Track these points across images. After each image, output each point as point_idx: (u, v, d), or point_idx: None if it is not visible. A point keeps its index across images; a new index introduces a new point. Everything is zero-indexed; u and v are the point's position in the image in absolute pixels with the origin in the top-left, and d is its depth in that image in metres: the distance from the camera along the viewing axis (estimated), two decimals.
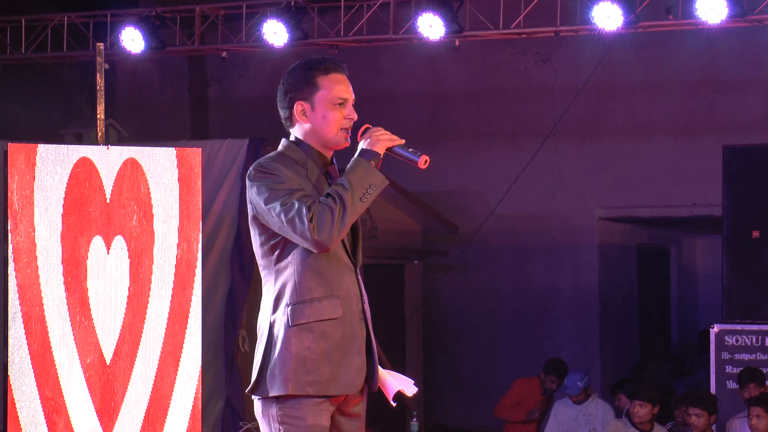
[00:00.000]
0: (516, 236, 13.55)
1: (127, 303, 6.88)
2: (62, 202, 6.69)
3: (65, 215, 6.70)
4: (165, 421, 6.95)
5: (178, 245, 6.99)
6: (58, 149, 6.71)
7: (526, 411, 10.67)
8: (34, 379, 6.63)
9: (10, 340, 6.59)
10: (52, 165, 6.66)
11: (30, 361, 6.62)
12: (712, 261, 13.71)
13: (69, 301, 6.71)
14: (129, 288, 6.88)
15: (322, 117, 4.26)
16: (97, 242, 6.81)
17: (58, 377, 6.68)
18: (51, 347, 6.67)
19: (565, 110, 12.72)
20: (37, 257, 6.63)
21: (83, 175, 6.74)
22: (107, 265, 6.82)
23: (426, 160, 4.19)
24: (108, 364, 6.82)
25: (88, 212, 6.77)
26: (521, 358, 13.29)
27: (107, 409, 6.80)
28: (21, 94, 13.34)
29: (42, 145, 6.70)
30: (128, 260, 6.88)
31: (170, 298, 6.99)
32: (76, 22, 11.20)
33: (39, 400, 6.63)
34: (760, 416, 8.16)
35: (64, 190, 6.69)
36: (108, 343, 6.82)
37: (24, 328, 6.61)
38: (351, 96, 4.30)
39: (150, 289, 6.93)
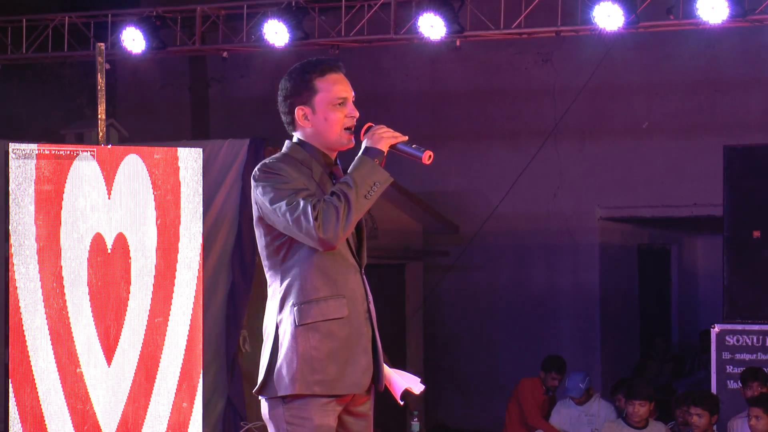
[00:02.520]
0: (517, 236, 13.55)
1: (129, 303, 6.88)
2: (63, 202, 6.69)
3: (65, 215, 6.70)
4: (166, 421, 6.95)
5: (179, 245, 7.00)
6: (59, 149, 6.72)
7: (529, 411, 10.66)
8: (33, 381, 6.63)
9: (11, 341, 6.59)
10: (52, 165, 6.67)
11: (28, 362, 6.62)
12: (713, 261, 13.70)
13: (69, 301, 6.71)
14: (130, 288, 6.88)
15: (323, 119, 4.27)
16: (98, 242, 6.81)
17: (56, 379, 6.68)
18: (49, 348, 6.67)
19: (566, 110, 12.72)
20: (37, 257, 6.64)
21: (84, 175, 6.75)
22: (108, 265, 6.83)
23: (430, 156, 4.21)
24: (109, 364, 6.82)
25: (89, 212, 6.77)
26: (522, 358, 13.28)
27: (109, 409, 6.81)
28: (22, 94, 13.34)
29: (43, 145, 6.71)
30: (129, 260, 6.88)
31: (172, 298, 6.99)
32: (76, 22, 11.20)
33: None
34: (759, 417, 8.15)
35: (65, 190, 6.70)
36: (109, 344, 6.82)
37: (23, 327, 6.61)
38: (350, 94, 4.31)
39: (151, 290, 6.93)
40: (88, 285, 6.76)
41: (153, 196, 6.93)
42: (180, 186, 6.99)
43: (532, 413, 10.57)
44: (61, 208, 6.69)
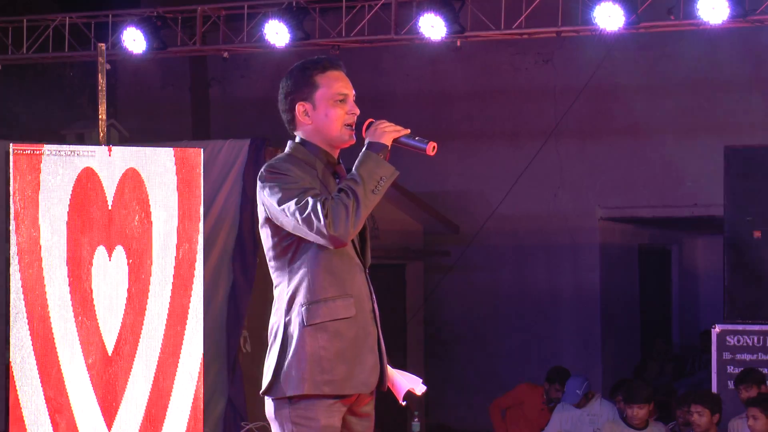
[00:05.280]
0: (517, 236, 13.56)
1: (128, 303, 6.88)
2: (64, 202, 6.69)
3: (68, 215, 6.70)
4: (165, 421, 6.96)
5: (179, 245, 7.00)
6: (60, 149, 6.72)
7: (526, 418, 10.66)
8: (39, 379, 6.63)
9: (12, 340, 6.59)
10: (54, 165, 6.67)
11: (34, 361, 6.62)
12: (714, 261, 13.72)
13: (72, 301, 6.71)
14: (130, 288, 6.88)
15: (324, 115, 4.27)
16: (99, 241, 6.81)
17: (62, 376, 6.68)
18: (55, 347, 6.67)
19: (567, 110, 12.72)
20: (39, 258, 6.64)
21: (85, 175, 6.75)
22: (109, 264, 6.83)
23: (434, 147, 4.23)
24: (110, 363, 6.82)
25: (90, 212, 6.77)
26: (522, 358, 13.29)
27: (109, 408, 6.81)
28: (22, 95, 13.34)
29: (44, 145, 6.71)
30: (130, 260, 6.89)
31: (171, 299, 6.99)
32: (77, 22, 11.20)
33: (43, 400, 6.63)
34: (756, 417, 8.17)
35: (66, 190, 6.70)
36: (110, 344, 6.82)
37: (27, 328, 6.61)
38: (351, 92, 4.31)
39: (150, 290, 6.93)
40: (91, 287, 6.76)
41: (154, 196, 6.93)
42: (181, 186, 6.99)
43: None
44: (67, 209, 6.69)
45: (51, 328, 6.66)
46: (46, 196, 6.65)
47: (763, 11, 9.35)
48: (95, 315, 6.80)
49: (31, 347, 6.62)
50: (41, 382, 6.64)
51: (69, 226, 6.71)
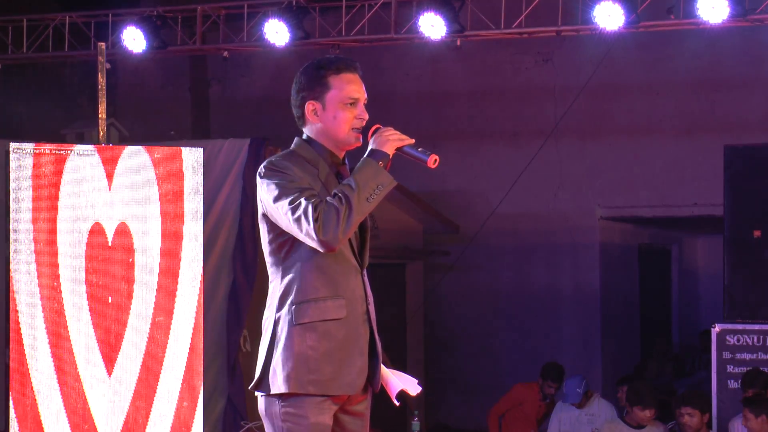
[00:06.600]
0: (517, 236, 13.56)
1: (130, 302, 6.88)
2: (63, 202, 6.69)
3: (66, 214, 6.70)
4: (170, 422, 6.95)
5: (181, 244, 6.99)
6: (60, 149, 6.72)
7: (525, 416, 10.68)
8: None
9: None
10: (53, 165, 6.67)
11: (26, 362, 6.62)
12: (714, 261, 13.71)
13: (67, 301, 6.71)
14: (131, 287, 6.88)
15: (332, 117, 4.27)
16: (99, 234, 6.81)
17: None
18: (47, 348, 6.66)
19: (567, 110, 12.72)
20: (38, 258, 6.63)
21: (85, 174, 6.75)
22: (109, 262, 6.82)
23: (435, 159, 4.22)
24: (110, 363, 6.82)
25: (89, 210, 6.77)
26: (522, 358, 13.29)
27: (110, 411, 6.81)
28: (22, 94, 13.35)
29: (43, 144, 6.71)
30: (130, 257, 6.88)
31: (172, 298, 6.99)
32: (77, 21, 11.21)
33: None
34: (748, 417, 8.21)
35: (65, 189, 6.70)
36: (110, 344, 6.81)
37: (21, 327, 6.61)
38: (363, 96, 4.30)
39: (152, 290, 6.93)
40: (86, 284, 6.75)
41: (156, 193, 6.93)
42: (182, 185, 6.99)
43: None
44: (59, 207, 6.69)
45: (44, 330, 6.64)
46: (44, 195, 6.64)
47: (763, 11, 9.35)
48: (91, 316, 6.79)
49: (24, 349, 6.61)
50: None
51: (66, 224, 6.70)
